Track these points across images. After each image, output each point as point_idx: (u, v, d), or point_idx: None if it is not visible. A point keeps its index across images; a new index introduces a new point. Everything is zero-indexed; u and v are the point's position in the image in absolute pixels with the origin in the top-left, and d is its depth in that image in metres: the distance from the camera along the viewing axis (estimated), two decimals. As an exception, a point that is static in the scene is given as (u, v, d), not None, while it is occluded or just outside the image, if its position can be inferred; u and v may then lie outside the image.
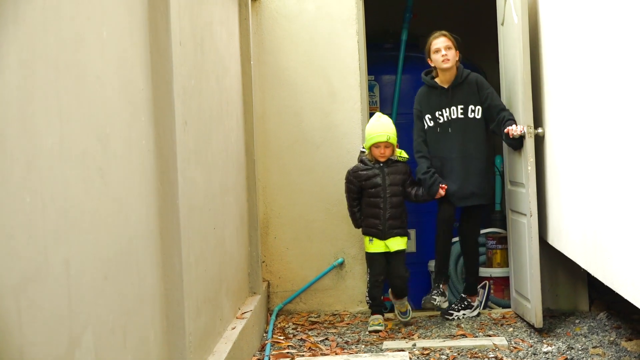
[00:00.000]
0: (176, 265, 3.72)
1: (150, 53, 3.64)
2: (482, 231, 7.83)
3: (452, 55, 6.39)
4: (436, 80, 6.56)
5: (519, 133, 6.07)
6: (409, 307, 6.74)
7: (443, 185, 6.46)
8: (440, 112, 6.50)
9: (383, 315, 6.68)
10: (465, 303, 6.80)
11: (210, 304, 4.76)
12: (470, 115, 6.49)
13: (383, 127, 6.35)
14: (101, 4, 2.99)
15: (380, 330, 6.34)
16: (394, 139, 6.39)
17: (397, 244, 6.53)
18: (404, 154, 6.59)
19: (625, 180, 4.18)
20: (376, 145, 6.34)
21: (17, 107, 2.24)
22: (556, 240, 6.11)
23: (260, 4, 7.24)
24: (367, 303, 6.74)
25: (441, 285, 6.79)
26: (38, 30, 2.41)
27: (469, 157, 6.52)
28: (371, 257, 6.60)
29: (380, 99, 8.45)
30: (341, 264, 6.94)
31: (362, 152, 6.56)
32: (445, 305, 6.76)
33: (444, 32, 6.43)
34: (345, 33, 7.24)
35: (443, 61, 6.36)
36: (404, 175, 6.58)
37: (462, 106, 6.46)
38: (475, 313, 6.77)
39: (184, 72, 4.17)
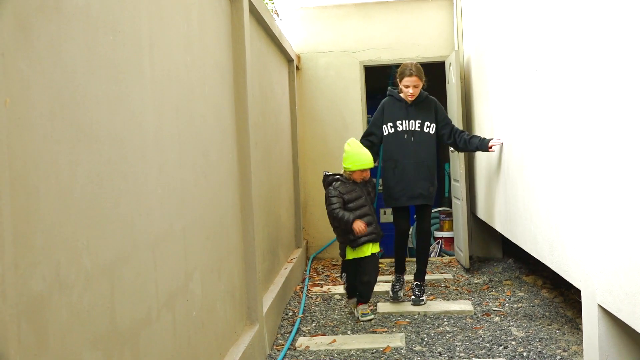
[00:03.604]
0: (250, 230, 3.73)
1: (234, 101, 3.65)
2: (437, 209, 7.81)
3: (417, 90, 4.88)
4: (401, 95, 4.97)
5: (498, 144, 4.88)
6: (370, 311, 4.68)
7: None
8: (400, 122, 4.91)
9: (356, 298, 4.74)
10: (423, 288, 5.03)
11: (271, 253, 4.77)
12: (426, 130, 4.91)
13: (368, 156, 4.60)
14: (205, 71, 3.00)
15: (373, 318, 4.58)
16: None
17: (377, 246, 4.67)
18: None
19: (520, 178, 4.16)
20: (363, 170, 4.56)
21: (153, 135, 2.25)
22: (482, 214, 6.08)
23: (302, 72, 7.25)
24: (346, 292, 4.79)
25: (401, 277, 5.13)
26: (165, 86, 2.42)
27: (421, 163, 4.89)
28: (349, 264, 4.67)
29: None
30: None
31: (327, 175, 4.71)
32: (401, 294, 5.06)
33: (415, 71, 4.86)
34: (353, 89, 7.23)
35: (410, 96, 4.86)
36: (369, 184, 4.73)
37: (419, 121, 4.90)
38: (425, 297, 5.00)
39: (255, 112, 4.17)
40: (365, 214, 4.59)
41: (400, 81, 4.91)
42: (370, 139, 5.05)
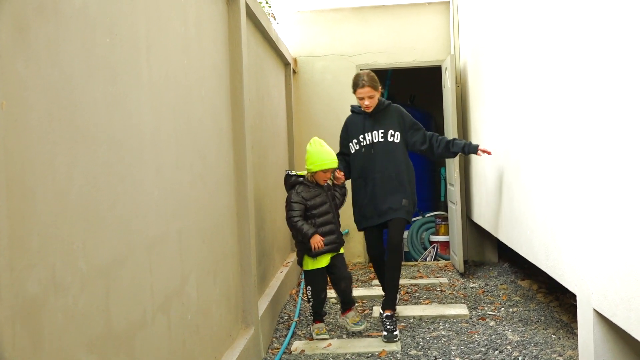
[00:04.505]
0: (246, 233, 3.72)
1: (231, 104, 3.65)
2: (432, 213, 7.81)
3: (374, 101, 4.49)
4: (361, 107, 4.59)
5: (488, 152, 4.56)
6: (361, 317, 4.44)
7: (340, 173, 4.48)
8: (363, 136, 4.54)
9: (324, 321, 4.42)
10: (395, 319, 4.30)
11: (267, 257, 4.77)
12: (390, 139, 4.50)
13: (332, 154, 4.30)
14: (202, 73, 3.00)
15: (328, 339, 4.21)
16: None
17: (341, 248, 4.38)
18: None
19: (516, 183, 4.17)
20: (326, 170, 4.24)
21: (150, 137, 2.25)
22: (478, 218, 6.09)
23: (298, 75, 7.26)
24: (311, 313, 4.45)
25: (392, 315, 4.29)
26: (162, 88, 2.42)
27: (389, 176, 4.47)
28: (314, 274, 4.25)
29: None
30: (347, 233, 6.90)
31: (290, 175, 4.37)
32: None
33: (368, 81, 4.46)
34: (349, 92, 7.19)
35: (366, 108, 4.50)
36: (333, 188, 4.46)
37: (382, 130, 4.50)
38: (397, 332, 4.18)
39: (252, 115, 4.17)
40: (329, 222, 4.26)
41: (355, 93, 4.55)
42: (345, 158, 4.70)
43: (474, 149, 4.59)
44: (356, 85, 4.52)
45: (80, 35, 1.72)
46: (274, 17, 7.03)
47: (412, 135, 4.58)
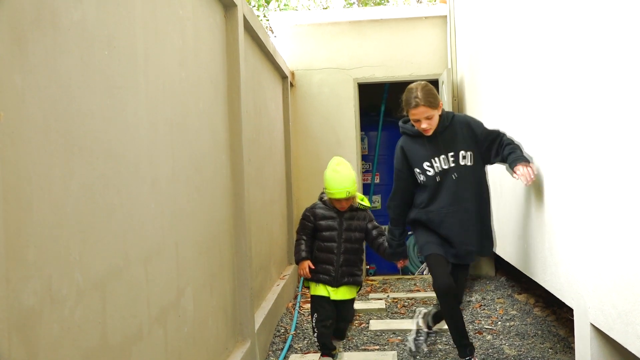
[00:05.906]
0: (243, 246, 3.72)
1: (228, 117, 3.66)
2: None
3: (433, 122, 3.57)
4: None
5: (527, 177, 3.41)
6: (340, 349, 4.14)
7: (402, 261, 3.93)
8: (429, 163, 3.62)
9: (334, 358, 3.99)
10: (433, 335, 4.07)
11: (263, 270, 4.76)
12: (462, 163, 3.61)
13: (342, 183, 3.81)
14: (199, 86, 3.01)
15: None
16: (353, 191, 3.85)
17: (347, 293, 3.95)
18: (366, 202, 4.04)
19: (512, 196, 4.18)
20: (338, 200, 3.87)
21: (147, 149, 2.25)
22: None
23: (296, 88, 7.29)
24: (317, 347, 4.02)
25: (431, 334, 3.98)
26: (159, 101, 2.43)
27: (466, 210, 3.62)
28: (318, 301, 3.93)
29: (368, 146, 8.48)
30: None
31: (322, 191, 4.05)
32: None
33: (422, 99, 3.50)
34: (346, 106, 7.26)
35: (423, 132, 3.60)
36: (363, 222, 3.98)
37: (452, 154, 3.60)
38: None
39: (249, 129, 4.18)
40: (328, 250, 3.92)
41: (408, 114, 3.65)
42: (406, 200, 3.80)
43: (510, 170, 3.59)
44: (408, 104, 3.60)
45: (78, 48, 1.73)
46: (271, 31, 7.08)
47: (488, 148, 3.70)
